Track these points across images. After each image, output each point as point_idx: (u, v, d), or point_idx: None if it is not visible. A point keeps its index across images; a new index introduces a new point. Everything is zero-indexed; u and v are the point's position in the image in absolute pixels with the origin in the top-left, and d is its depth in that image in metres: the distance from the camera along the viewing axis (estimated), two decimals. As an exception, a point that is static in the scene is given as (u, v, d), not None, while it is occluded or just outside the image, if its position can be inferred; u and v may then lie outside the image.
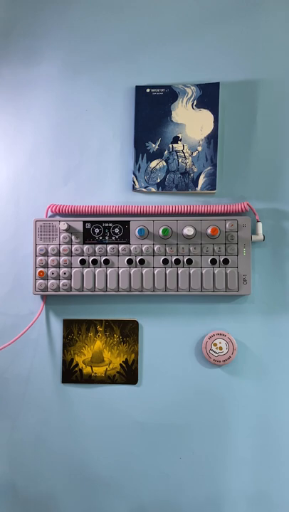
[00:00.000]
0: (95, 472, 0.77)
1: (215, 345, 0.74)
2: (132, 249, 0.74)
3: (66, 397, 0.77)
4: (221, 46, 0.76)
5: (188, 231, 0.73)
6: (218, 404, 0.75)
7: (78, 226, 0.75)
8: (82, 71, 0.78)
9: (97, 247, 0.75)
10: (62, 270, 0.75)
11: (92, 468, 0.77)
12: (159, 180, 0.77)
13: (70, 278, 0.75)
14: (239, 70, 0.76)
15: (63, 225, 0.74)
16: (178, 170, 0.76)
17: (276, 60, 0.76)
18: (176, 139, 0.76)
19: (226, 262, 0.73)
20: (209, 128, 0.76)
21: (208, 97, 0.75)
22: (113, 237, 0.75)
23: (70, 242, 0.75)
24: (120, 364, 0.76)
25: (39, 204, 0.78)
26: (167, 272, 0.74)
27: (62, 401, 0.77)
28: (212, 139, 0.76)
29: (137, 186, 0.77)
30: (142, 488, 0.76)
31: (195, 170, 0.76)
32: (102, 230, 0.75)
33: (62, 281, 0.75)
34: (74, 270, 0.75)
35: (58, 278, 0.75)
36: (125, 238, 0.75)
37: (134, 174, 0.77)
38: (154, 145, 0.76)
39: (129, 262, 0.74)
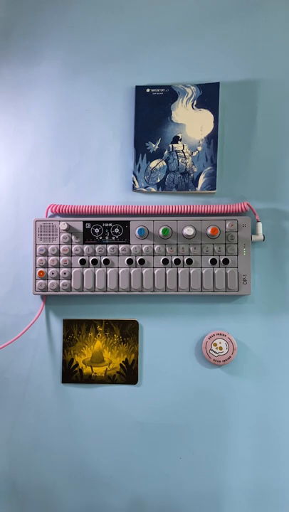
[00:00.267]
0: (95, 472, 0.77)
1: (215, 345, 0.74)
2: (132, 249, 0.74)
3: (66, 397, 0.77)
4: (221, 46, 0.76)
5: (188, 231, 0.73)
6: (218, 404, 0.75)
7: (78, 226, 0.75)
8: (82, 71, 0.78)
9: (97, 247, 0.75)
10: (62, 270, 0.75)
11: (92, 468, 0.77)
12: (159, 180, 0.77)
13: (70, 278, 0.75)
14: (239, 70, 0.76)
15: (63, 225, 0.74)
16: (178, 170, 0.76)
17: (276, 60, 0.76)
18: (176, 139, 0.76)
19: (225, 262, 0.73)
20: (209, 128, 0.76)
21: (208, 97, 0.75)
22: (113, 237, 0.75)
23: (70, 242, 0.75)
24: (120, 364, 0.76)
25: (39, 204, 0.78)
26: (167, 272, 0.74)
27: (62, 401, 0.77)
28: (212, 139, 0.76)
29: (137, 186, 0.77)
30: (142, 488, 0.76)
31: (195, 170, 0.76)
32: (102, 230, 0.75)
33: (62, 281, 0.75)
34: (74, 270, 0.75)
35: (58, 278, 0.75)
36: (125, 238, 0.75)
37: (134, 174, 0.77)
38: (154, 145, 0.76)
39: (129, 262, 0.74)
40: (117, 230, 0.75)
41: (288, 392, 0.75)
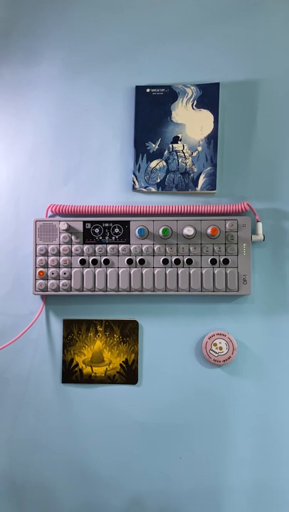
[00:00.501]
0: (95, 472, 0.77)
1: (215, 345, 0.74)
2: (132, 249, 0.74)
3: (66, 397, 0.77)
4: (221, 46, 0.76)
5: (188, 231, 0.73)
6: (218, 404, 0.75)
7: (78, 226, 0.75)
8: (82, 71, 0.78)
9: (97, 247, 0.75)
10: (62, 270, 0.75)
11: (92, 468, 0.77)
12: (159, 180, 0.77)
13: (70, 278, 0.75)
14: (239, 70, 0.76)
15: (63, 225, 0.74)
16: (178, 170, 0.76)
17: (276, 60, 0.76)
18: (176, 139, 0.76)
19: (226, 262, 0.73)
20: (209, 128, 0.76)
21: (208, 97, 0.75)
22: (113, 237, 0.75)
23: (70, 242, 0.75)
24: (120, 364, 0.76)
25: (39, 204, 0.78)
26: (167, 272, 0.74)
27: (62, 401, 0.77)
28: (212, 139, 0.76)
29: (137, 186, 0.77)
30: (142, 488, 0.76)
31: (195, 170, 0.76)
32: (102, 230, 0.75)
33: (62, 281, 0.75)
34: (74, 270, 0.75)
35: (58, 278, 0.75)
36: (125, 238, 0.75)
37: (134, 174, 0.77)
38: (154, 145, 0.76)
39: (129, 262, 0.74)
40: (117, 230, 0.75)
41: (288, 392, 0.75)
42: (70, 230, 0.75)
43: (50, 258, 0.75)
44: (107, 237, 0.75)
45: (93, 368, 0.77)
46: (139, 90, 0.76)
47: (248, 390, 0.75)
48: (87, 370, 0.77)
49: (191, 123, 0.76)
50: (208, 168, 0.76)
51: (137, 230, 0.74)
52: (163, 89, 0.76)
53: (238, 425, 0.75)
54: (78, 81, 0.78)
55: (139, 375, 0.76)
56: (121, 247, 0.75)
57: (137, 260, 0.74)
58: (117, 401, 0.76)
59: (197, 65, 0.77)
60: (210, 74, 0.76)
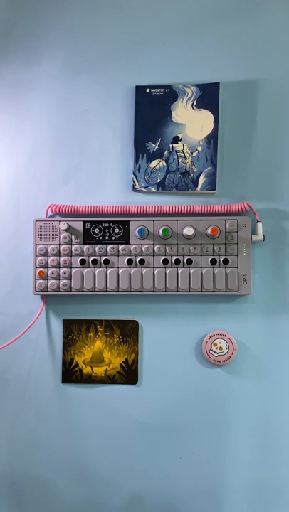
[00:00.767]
0: (95, 472, 0.77)
1: (215, 345, 0.74)
2: (132, 249, 0.74)
3: (66, 397, 0.77)
4: (221, 46, 0.76)
5: (188, 231, 0.73)
6: (218, 404, 0.75)
7: (78, 226, 0.75)
8: (82, 71, 0.78)
9: (97, 247, 0.75)
10: (62, 270, 0.75)
11: (92, 468, 0.77)
12: (159, 180, 0.77)
13: (70, 278, 0.75)
14: (239, 70, 0.76)
15: (63, 225, 0.74)
16: (178, 170, 0.76)
17: (276, 60, 0.76)
18: (176, 139, 0.76)
19: (226, 262, 0.73)
20: (209, 128, 0.76)
21: (208, 97, 0.75)
22: (113, 237, 0.75)
23: (70, 242, 0.75)
24: (120, 364, 0.76)
25: (39, 204, 0.78)
26: (167, 272, 0.74)
27: (62, 401, 0.77)
28: (212, 139, 0.76)
29: (137, 186, 0.77)
30: (142, 488, 0.76)
31: (195, 170, 0.76)
32: (102, 230, 0.75)
33: (62, 281, 0.75)
34: (74, 270, 0.75)
35: (58, 278, 0.75)
36: (125, 238, 0.75)
37: (134, 174, 0.77)
38: (154, 145, 0.76)
39: (129, 262, 0.74)
40: (117, 230, 0.75)
41: (288, 392, 0.75)
42: (70, 230, 0.75)
43: (50, 258, 0.75)
44: (107, 237, 0.75)
45: (93, 368, 0.77)
46: (139, 90, 0.76)
47: (248, 390, 0.75)
48: (87, 370, 0.77)
49: (191, 123, 0.76)
50: (208, 168, 0.76)
51: (137, 230, 0.74)
52: (163, 89, 0.76)
53: (238, 425, 0.75)
54: (78, 81, 0.78)
55: (139, 375, 0.76)
56: (121, 247, 0.75)
57: (137, 260, 0.74)
58: (117, 401, 0.76)
59: (197, 65, 0.77)
60: (210, 74, 0.76)
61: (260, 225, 0.74)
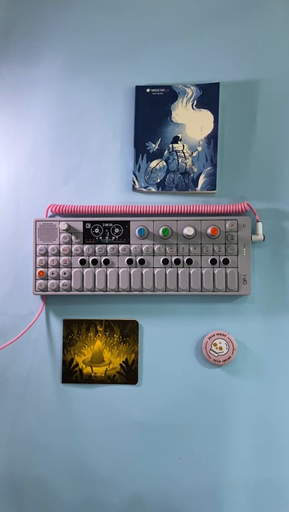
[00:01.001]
0: (95, 472, 0.77)
1: (215, 345, 0.74)
2: (132, 249, 0.74)
3: (66, 397, 0.77)
4: (221, 46, 0.76)
5: (188, 231, 0.73)
6: (218, 404, 0.75)
7: (78, 226, 0.75)
8: (82, 71, 0.78)
9: (97, 247, 0.75)
10: (62, 270, 0.75)
11: (92, 468, 0.77)
12: (159, 180, 0.77)
13: (70, 278, 0.75)
14: (239, 70, 0.76)
15: (63, 225, 0.74)
16: (178, 170, 0.76)
17: (276, 60, 0.76)
18: (176, 139, 0.76)
19: (226, 262, 0.73)
20: (209, 128, 0.76)
21: (208, 97, 0.75)
22: (113, 237, 0.75)
23: (70, 242, 0.75)
24: (120, 364, 0.76)
25: (39, 204, 0.78)
26: (167, 272, 0.74)
27: (62, 401, 0.77)
28: (212, 139, 0.76)
29: (137, 186, 0.77)
30: (142, 488, 0.76)
31: (195, 170, 0.76)
32: (102, 230, 0.75)
33: (62, 281, 0.75)
34: (74, 270, 0.75)
35: (58, 278, 0.75)
36: (125, 238, 0.75)
37: (134, 174, 0.77)
38: (154, 145, 0.76)
39: (129, 262, 0.74)
40: (117, 230, 0.75)
41: (288, 392, 0.75)
42: (70, 230, 0.75)
43: (50, 258, 0.75)
44: (107, 237, 0.75)
45: (93, 368, 0.77)
46: (139, 90, 0.76)
47: (248, 390, 0.75)
48: (87, 370, 0.77)
49: (191, 123, 0.76)
50: (208, 168, 0.76)
51: (137, 230, 0.74)
52: (163, 89, 0.76)
53: (238, 425, 0.75)
54: (78, 81, 0.78)
55: (139, 375, 0.76)
56: (121, 247, 0.75)
57: (137, 260, 0.74)
58: (117, 401, 0.76)
59: (197, 65, 0.77)
60: (210, 74, 0.76)
61: (260, 225, 0.74)
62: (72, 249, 0.75)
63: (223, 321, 0.76)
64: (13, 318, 0.78)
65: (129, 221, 0.75)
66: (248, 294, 0.74)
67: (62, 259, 0.75)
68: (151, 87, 0.76)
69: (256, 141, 0.76)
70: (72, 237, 0.75)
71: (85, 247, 0.75)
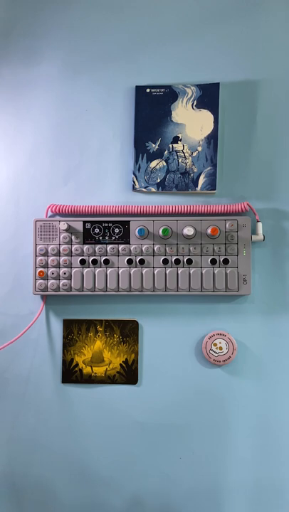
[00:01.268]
0: (95, 472, 0.77)
1: (215, 345, 0.74)
2: (132, 249, 0.74)
3: (66, 397, 0.77)
4: (221, 46, 0.76)
5: (188, 231, 0.73)
6: (218, 404, 0.75)
7: (78, 226, 0.75)
8: (82, 71, 0.78)
9: (97, 247, 0.75)
10: (62, 270, 0.75)
11: (92, 468, 0.77)
12: (159, 180, 0.77)
13: (70, 278, 0.75)
14: (239, 70, 0.76)
15: (63, 225, 0.74)
16: (178, 170, 0.76)
17: (276, 60, 0.76)
18: (176, 139, 0.76)
19: (226, 262, 0.73)
20: (209, 128, 0.76)
21: (208, 97, 0.75)
22: (113, 237, 0.75)
23: (70, 242, 0.75)
24: (120, 364, 0.76)
25: (39, 204, 0.78)
26: (167, 272, 0.74)
27: (62, 401, 0.77)
28: (212, 139, 0.76)
29: (137, 186, 0.77)
30: (142, 488, 0.76)
31: (195, 170, 0.76)
32: (102, 230, 0.75)
33: (62, 281, 0.75)
34: (74, 270, 0.75)
35: (58, 278, 0.75)
36: (125, 238, 0.75)
37: (134, 174, 0.77)
38: (154, 145, 0.76)
39: (129, 262, 0.74)
40: (117, 230, 0.75)
41: (288, 392, 0.75)
42: (70, 230, 0.75)
43: (50, 258, 0.75)
44: (107, 237, 0.75)
45: (93, 368, 0.77)
46: (139, 90, 0.76)
47: (248, 390, 0.75)
48: (87, 370, 0.77)
49: (191, 123, 0.76)
50: (208, 168, 0.76)
51: (137, 230, 0.74)
52: (163, 89, 0.76)
53: (238, 425, 0.75)
54: (78, 81, 0.78)
55: (139, 375, 0.76)
56: (121, 247, 0.75)
57: (137, 260, 0.74)
58: (117, 401, 0.76)
59: (197, 65, 0.77)
60: (210, 74, 0.76)
61: (260, 225, 0.74)
62: (72, 249, 0.75)
63: (223, 321, 0.76)
64: (13, 318, 0.78)
65: (129, 221, 0.75)
66: (248, 294, 0.74)
67: (62, 259, 0.75)
68: (151, 87, 0.76)
69: (256, 141, 0.76)
70: (72, 237, 0.75)
71: (85, 247, 0.75)
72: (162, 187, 0.76)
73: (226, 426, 0.75)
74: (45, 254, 0.75)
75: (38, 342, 0.78)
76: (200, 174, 0.76)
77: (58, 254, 0.75)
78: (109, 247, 0.75)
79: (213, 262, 0.74)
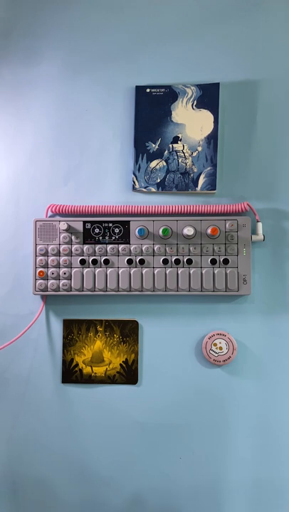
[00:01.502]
0: (95, 472, 0.77)
1: (215, 345, 0.74)
2: (132, 249, 0.74)
3: (66, 397, 0.77)
4: (221, 46, 0.76)
5: (188, 231, 0.73)
6: (218, 404, 0.75)
7: (78, 226, 0.75)
8: (82, 71, 0.78)
9: (97, 247, 0.75)
10: (62, 270, 0.75)
11: (92, 468, 0.77)
12: (159, 180, 0.77)
13: (70, 278, 0.75)
14: (239, 70, 0.76)
15: (63, 225, 0.74)
16: (178, 170, 0.76)
17: (276, 60, 0.76)
18: (176, 139, 0.76)
19: (226, 262, 0.73)
20: (209, 128, 0.76)
21: (208, 97, 0.75)
22: (113, 237, 0.75)
23: (70, 242, 0.75)
24: (120, 364, 0.76)
25: (39, 204, 0.78)
26: (167, 272, 0.74)
27: (62, 401, 0.77)
28: (212, 139, 0.76)
29: (137, 186, 0.77)
30: (142, 488, 0.76)
31: (195, 170, 0.76)
32: (102, 230, 0.75)
33: (62, 281, 0.75)
34: (74, 270, 0.75)
35: (58, 278, 0.75)
36: (125, 238, 0.75)
37: (134, 174, 0.77)
38: (154, 145, 0.76)
39: (129, 262, 0.74)
40: (117, 230, 0.75)
41: (288, 392, 0.75)
42: (70, 230, 0.75)
43: (50, 258, 0.75)
44: (107, 237, 0.75)
45: (93, 368, 0.77)
46: (139, 90, 0.76)
47: (248, 390, 0.75)
48: (87, 370, 0.77)
49: (191, 123, 0.76)
50: (208, 168, 0.76)
51: (137, 230, 0.74)
52: (163, 89, 0.76)
53: (238, 425, 0.75)
54: (78, 81, 0.78)
55: (139, 375, 0.76)
56: (121, 247, 0.75)
57: (137, 260, 0.74)
58: (117, 401, 0.76)
59: (197, 65, 0.77)
60: (210, 74, 0.76)
61: (260, 225, 0.74)
62: (72, 249, 0.75)
63: (223, 321, 0.76)
64: (13, 318, 0.78)
65: (129, 221, 0.75)
66: (248, 294, 0.74)
67: (62, 259, 0.75)
68: (151, 87, 0.76)
69: (256, 141, 0.76)
70: (72, 237, 0.75)
71: (85, 247, 0.75)
72: (162, 187, 0.76)
73: (226, 426, 0.75)
74: (45, 254, 0.75)
75: (38, 342, 0.78)
76: (200, 174, 0.76)
77: (58, 254, 0.75)
78: (109, 247, 0.75)
79: (213, 262, 0.74)
